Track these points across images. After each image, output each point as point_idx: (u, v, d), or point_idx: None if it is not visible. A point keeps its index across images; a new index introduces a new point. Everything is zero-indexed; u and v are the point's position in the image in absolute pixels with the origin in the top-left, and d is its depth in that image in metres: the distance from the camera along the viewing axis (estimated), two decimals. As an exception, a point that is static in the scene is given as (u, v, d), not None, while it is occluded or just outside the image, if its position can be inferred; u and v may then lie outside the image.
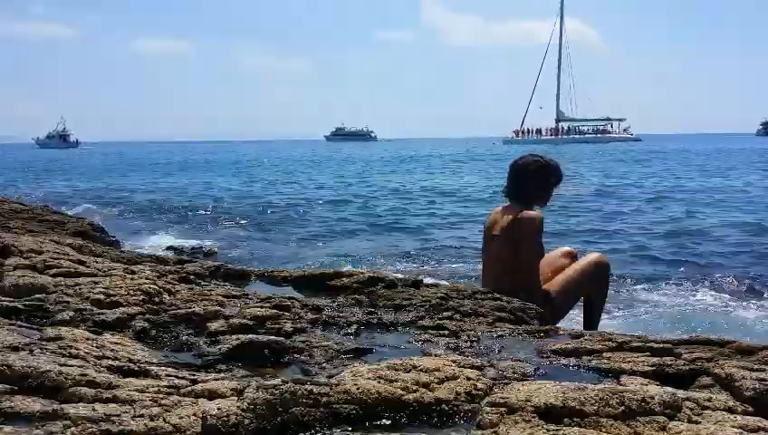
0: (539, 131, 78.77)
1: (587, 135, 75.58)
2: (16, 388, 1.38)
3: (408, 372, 1.55)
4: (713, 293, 5.68)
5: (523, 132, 79.06)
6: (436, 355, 1.82)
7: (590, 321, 3.60)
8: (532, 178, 3.56)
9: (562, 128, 78.37)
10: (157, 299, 2.39)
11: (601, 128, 76.41)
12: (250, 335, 2.00)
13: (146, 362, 1.69)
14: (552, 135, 77.29)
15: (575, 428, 1.28)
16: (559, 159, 3.84)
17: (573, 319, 3.78)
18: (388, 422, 1.38)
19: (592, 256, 3.67)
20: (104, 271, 2.74)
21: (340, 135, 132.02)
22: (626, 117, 78.33)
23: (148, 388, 1.46)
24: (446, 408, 1.44)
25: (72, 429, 1.23)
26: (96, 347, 1.72)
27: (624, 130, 76.25)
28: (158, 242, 8.49)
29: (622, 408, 1.34)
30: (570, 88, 76.59)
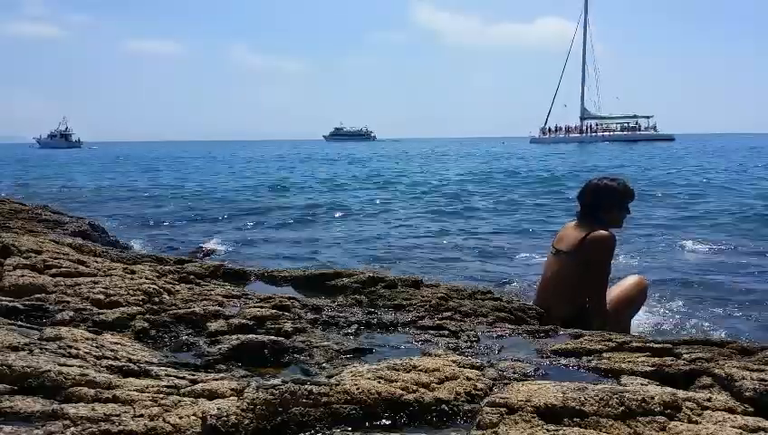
0: (567, 130, 75.39)
1: (616, 133, 71.94)
2: (16, 388, 1.38)
3: (408, 372, 1.55)
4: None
5: (550, 131, 75.91)
6: (436, 355, 1.82)
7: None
8: (607, 201, 3.52)
9: (590, 126, 75.00)
10: (157, 299, 2.39)
11: (630, 125, 72.66)
12: (250, 335, 2.00)
13: (146, 362, 1.69)
14: (579, 133, 74.11)
15: (575, 428, 1.28)
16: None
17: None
18: (388, 422, 1.38)
19: (634, 279, 3.67)
20: (104, 271, 2.74)
21: (339, 135, 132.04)
22: (653, 114, 75.48)
23: (148, 388, 1.46)
24: (446, 408, 1.44)
25: (72, 429, 1.22)
26: (96, 347, 1.72)
27: (653, 127, 73.89)
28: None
29: (622, 408, 1.34)
30: (594, 85, 74.30)
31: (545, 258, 3.80)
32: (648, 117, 73.04)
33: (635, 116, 72.83)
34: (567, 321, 3.00)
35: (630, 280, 3.67)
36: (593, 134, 73.11)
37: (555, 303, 3.24)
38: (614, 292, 3.52)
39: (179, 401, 1.39)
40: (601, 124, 74.29)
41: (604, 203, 3.55)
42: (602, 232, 3.40)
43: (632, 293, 3.57)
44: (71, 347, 1.67)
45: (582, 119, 75.41)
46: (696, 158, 33.75)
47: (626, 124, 72.90)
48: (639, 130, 72.15)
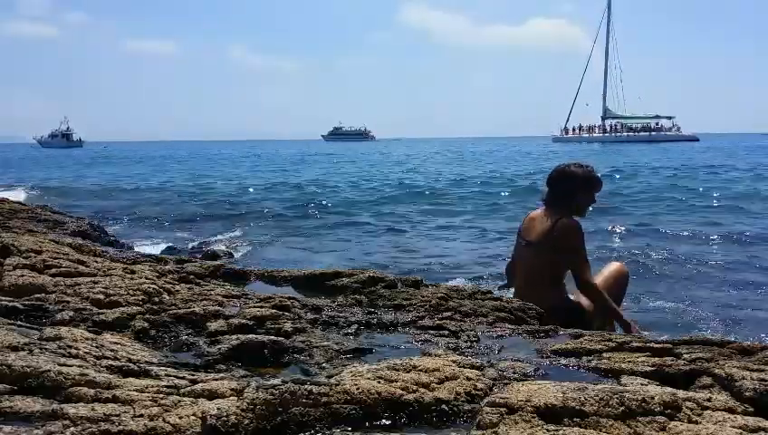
0: (590, 129, 74.09)
1: (639, 133, 70.68)
2: (16, 388, 1.38)
3: (408, 372, 1.55)
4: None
5: (573, 130, 74.57)
6: (436, 355, 1.82)
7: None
8: (576, 187, 3.49)
9: (613, 126, 73.54)
10: (157, 299, 2.39)
11: (653, 125, 71.33)
12: (250, 335, 2.00)
13: (146, 362, 1.69)
14: (602, 133, 72.74)
15: (575, 428, 1.28)
16: None
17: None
18: (388, 422, 1.38)
19: (614, 266, 3.67)
20: (104, 271, 2.74)
21: (337, 135, 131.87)
22: (675, 115, 72.83)
23: (147, 388, 1.46)
24: (446, 408, 1.44)
25: (72, 429, 1.22)
26: (96, 347, 1.72)
27: (676, 128, 71.40)
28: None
29: (622, 408, 1.34)
30: (616, 84, 73.48)
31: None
32: (670, 117, 72.12)
33: (657, 116, 71.83)
34: (552, 313, 2.99)
35: (611, 268, 3.66)
36: (616, 134, 71.98)
37: (536, 296, 3.22)
38: (595, 282, 3.51)
39: (179, 401, 1.39)
40: (624, 124, 73.22)
41: (578, 190, 3.53)
42: (568, 220, 3.39)
43: (613, 282, 3.56)
44: (70, 347, 1.67)
45: (604, 118, 74.39)
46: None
47: (648, 124, 72.06)
48: (662, 130, 71.38)
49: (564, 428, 1.27)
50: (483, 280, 5.91)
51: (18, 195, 16.06)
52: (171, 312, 2.24)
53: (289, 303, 2.52)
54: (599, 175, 3.60)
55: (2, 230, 3.82)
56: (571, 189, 3.48)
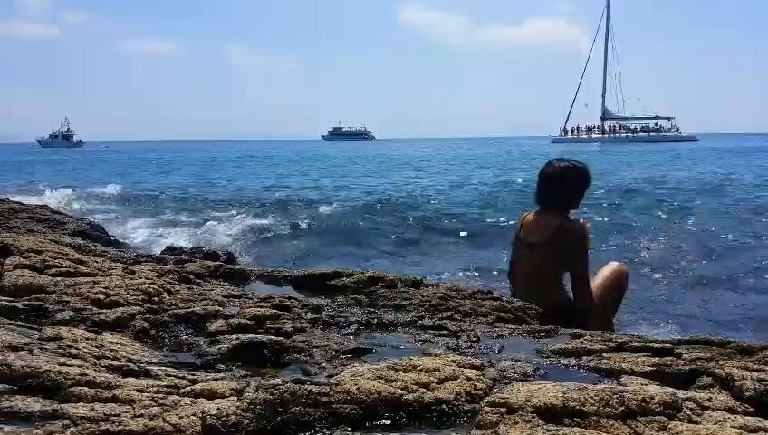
0: (589, 130, 74.31)
1: (639, 134, 71.17)
2: (16, 388, 1.38)
3: (408, 372, 1.55)
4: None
5: (572, 130, 74.71)
6: (436, 355, 1.82)
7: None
8: (567, 185, 3.48)
9: (612, 126, 73.88)
10: (156, 299, 2.39)
11: (653, 126, 71.85)
12: (250, 335, 2.00)
13: (146, 362, 1.69)
14: (602, 134, 72.98)
15: (575, 428, 1.28)
16: None
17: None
18: (388, 422, 1.38)
19: (613, 266, 3.67)
20: (104, 271, 2.74)
21: (337, 135, 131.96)
22: (675, 115, 73.29)
23: (147, 388, 1.46)
24: (446, 408, 1.44)
25: (72, 429, 1.22)
26: (95, 347, 1.72)
27: (675, 129, 71.91)
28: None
29: (622, 408, 1.34)
30: (616, 85, 73.63)
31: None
32: (669, 118, 72.03)
33: (656, 117, 71.76)
34: (553, 313, 2.99)
35: (610, 268, 3.67)
36: (616, 135, 71.99)
37: (537, 296, 3.22)
38: (595, 282, 3.51)
39: (179, 401, 1.39)
40: (623, 125, 72.76)
41: (574, 187, 3.53)
42: (576, 220, 3.40)
43: (613, 282, 3.57)
44: (70, 347, 1.67)
45: (603, 119, 74.26)
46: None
47: (647, 125, 71.88)
48: (661, 131, 71.21)
49: (564, 428, 1.27)
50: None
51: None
52: (171, 312, 2.24)
53: (289, 303, 2.52)
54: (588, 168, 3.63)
55: (2, 230, 3.81)
56: (573, 187, 3.49)
